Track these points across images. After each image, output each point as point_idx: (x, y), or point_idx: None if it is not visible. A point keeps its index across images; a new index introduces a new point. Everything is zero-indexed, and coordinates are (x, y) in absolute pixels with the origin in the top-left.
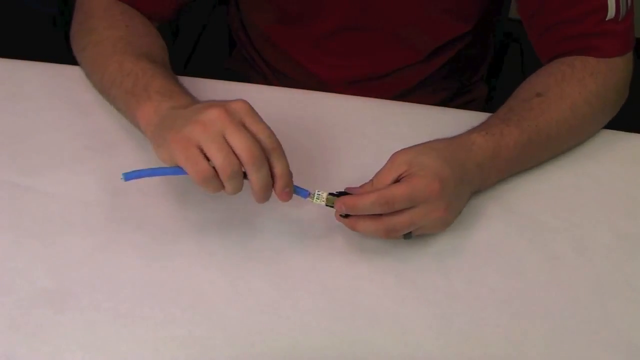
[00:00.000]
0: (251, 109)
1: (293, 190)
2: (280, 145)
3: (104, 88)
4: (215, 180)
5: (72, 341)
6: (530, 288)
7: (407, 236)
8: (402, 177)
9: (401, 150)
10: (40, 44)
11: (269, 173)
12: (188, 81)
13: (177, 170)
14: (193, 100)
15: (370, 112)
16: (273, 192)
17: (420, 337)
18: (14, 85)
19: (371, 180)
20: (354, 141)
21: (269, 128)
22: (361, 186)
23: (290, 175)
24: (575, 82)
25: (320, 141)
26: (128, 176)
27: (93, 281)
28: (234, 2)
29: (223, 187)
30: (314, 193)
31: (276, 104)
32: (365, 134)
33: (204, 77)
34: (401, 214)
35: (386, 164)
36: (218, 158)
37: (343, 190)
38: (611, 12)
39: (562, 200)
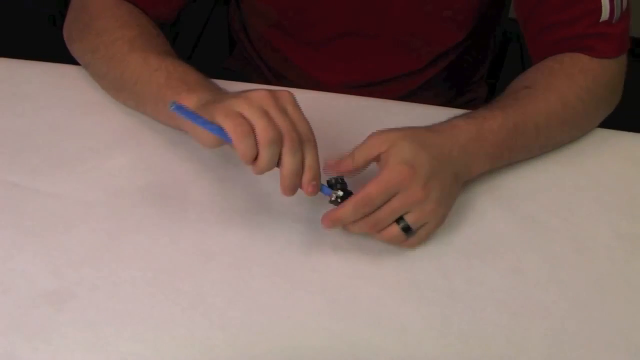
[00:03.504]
0: (295, 100)
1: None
2: (315, 139)
3: (124, 85)
4: (252, 139)
5: (72, 341)
6: (530, 288)
7: (409, 233)
8: (380, 156)
9: (382, 130)
10: (40, 44)
11: (302, 160)
12: None
13: (219, 130)
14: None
15: (370, 112)
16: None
17: (420, 337)
18: (14, 85)
19: (351, 154)
20: (354, 141)
21: (307, 121)
22: (343, 159)
23: (319, 169)
24: (563, 76)
25: (321, 141)
26: (176, 106)
27: (93, 281)
28: (235, 2)
29: (256, 155)
30: (334, 194)
31: None
32: (365, 134)
33: None
34: (381, 207)
35: (366, 140)
36: (260, 122)
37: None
38: (605, 14)
39: (562, 200)
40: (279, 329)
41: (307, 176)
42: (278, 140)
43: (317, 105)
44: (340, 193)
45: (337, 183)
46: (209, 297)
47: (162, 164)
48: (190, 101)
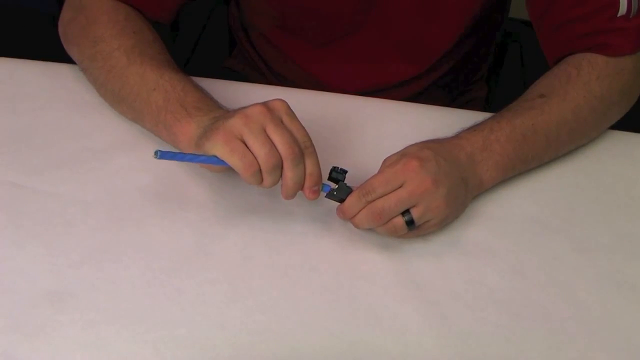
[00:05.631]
0: (289, 108)
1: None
2: (313, 145)
3: (123, 99)
4: (259, 173)
5: (72, 341)
6: (530, 288)
7: (410, 225)
8: None
9: (392, 153)
10: (40, 44)
11: (304, 171)
12: None
13: (212, 159)
14: (229, 111)
15: (370, 112)
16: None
17: (420, 337)
18: (14, 85)
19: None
20: (354, 141)
21: (304, 128)
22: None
23: (320, 174)
24: (580, 85)
25: (321, 141)
26: (162, 154)
27: (93, 281)
28: (235, 3)
29: (262, 180)
30: (334, 189)
31: None
32: (365, 133)
33: (204, 77)
34: (387, 196)
35: (381, 166)
36: (262, 151)
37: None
38: (622, 9)
39: (562, 200)
40: (279, 329)
41: (308, 183)
42: (280, 165)
43: (316, 105)
44: (335, 186)
45: (338, 173)
46: (209, 297)
47: (162, 164)
48: (189, 128)
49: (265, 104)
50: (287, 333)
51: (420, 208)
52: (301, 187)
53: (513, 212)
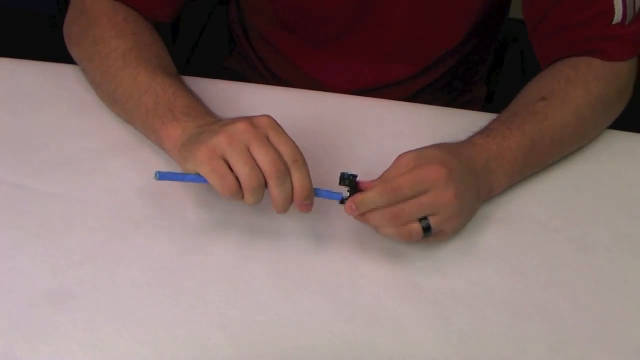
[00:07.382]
0: (275, 123)
1: (328, 197)
2: (303, 158)
3: (116, 101)
4: (240, 193)
5: (72, 341)
6: (530, 288)
7: (426, 232)
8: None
9: (408, 151)
10: (39, 44)
11: (291, 186)
12: (188, 81)
13: (203, 178)
14: (218, 119)
15: (370, 112)
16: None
17: (420, 337)
18: (14, 85)
19: (378, 179)
20: (354, 141)
21: (292, 141)
22: (369, 182)
23: (310, 187)
24: (579, 86)
25: (321, 141)
26: (161, 176)
27: (93, 281)
28: (235, 2)
29: (243, 197)
30: (345, 195)
31: (276, 103)
32: (365, 134)
33: (204, 76)
34: (409, 200)
35: (392, 164)
36: (243, 171)
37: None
38: (617, 16)
39: (562, 200)
40: (279, 329)
41: (298, 198)
42: (262, 185)
43: (316, 105)
44: (347, 194)
45: (348, 178)
46: (209, 297)
47: (162, 164)
48: (174, 133)
49: (250, 120)
50: (287, 333)
51: (438, 217)
52: (291, 201)
53: (513, 212)
